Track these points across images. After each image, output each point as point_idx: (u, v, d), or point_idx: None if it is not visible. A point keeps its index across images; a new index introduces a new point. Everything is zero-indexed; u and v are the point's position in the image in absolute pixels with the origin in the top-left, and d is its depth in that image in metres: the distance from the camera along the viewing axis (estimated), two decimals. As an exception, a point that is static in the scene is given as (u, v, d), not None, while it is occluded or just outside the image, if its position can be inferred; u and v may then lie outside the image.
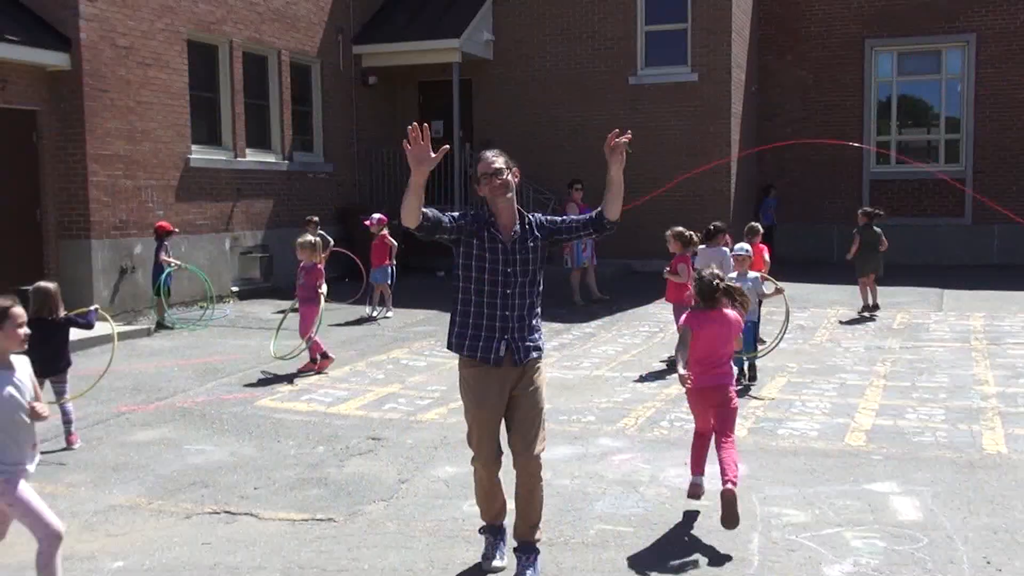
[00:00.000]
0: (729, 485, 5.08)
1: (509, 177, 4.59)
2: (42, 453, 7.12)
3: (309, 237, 10.39)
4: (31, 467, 4.34)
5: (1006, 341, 11.08)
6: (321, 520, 5.65)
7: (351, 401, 8.62)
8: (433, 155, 4.27)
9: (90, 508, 5.93)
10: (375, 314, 13.31)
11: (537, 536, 4.78)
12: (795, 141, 17.61)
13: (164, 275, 12.48)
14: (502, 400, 4.64)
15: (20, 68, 11.94)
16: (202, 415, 8.19)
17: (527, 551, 4.75)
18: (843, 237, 19.88)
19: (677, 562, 4.89)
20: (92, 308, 7.59)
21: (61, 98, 12.37)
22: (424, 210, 4.38)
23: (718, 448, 5.43)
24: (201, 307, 13.94)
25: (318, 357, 9.91)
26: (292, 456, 7.00)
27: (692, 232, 10.19)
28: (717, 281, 5.55)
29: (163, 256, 12.60)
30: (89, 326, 7.56)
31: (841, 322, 12.69)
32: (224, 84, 15.05)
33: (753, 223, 11.65)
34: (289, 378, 9.58)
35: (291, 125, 16.49)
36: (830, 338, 11.63)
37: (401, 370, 9.99)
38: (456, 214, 4.66)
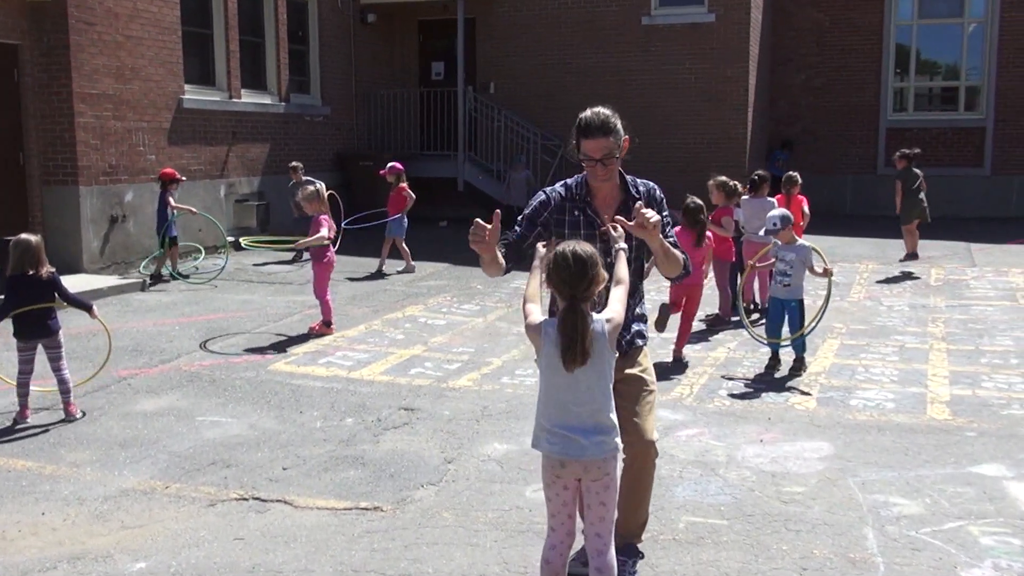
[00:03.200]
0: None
1: (616, 164, 3.86)
2: (38, 426, 6.45)
3: (312, 187, 9.44)
4: None
5: (1057, 300, 10.48)
6: (367, 509, 4.96)
7: (374, 365, 7.91)
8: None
9: (99, 493, 5.21)
10: (385, 268, 12.53)
11: (641, 539, 4.14)
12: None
13: (169, 223, 11.75)
14: None
15: (-2, -2, 10.99)
16: (212, 380, 7.46)
17: (630, 554, 4.10)
18: (858, 187, 19.31)
19: (791, 568, 4.24)
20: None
21: (44, 31, 11.40)
22: (500, 255, 3.81)
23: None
24: (194, 259, 13.14)
25: (332, 321, 9.14)
26: (319, 430, 6.30)
27: (736, 182, 9.45)
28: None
29: (172, 202, 11.84)
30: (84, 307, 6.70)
31: (878, 280, 12.05)
32: (217, 18, 14.07)
33: (791, 172, 10.92)
34: (301, 338, 8.84)
35: (287, 65, 15.55)
36: (868, 295, 10.99)
37: (421, 329, 9.28)
38: (532, 210, 3.98)
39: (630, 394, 3.94)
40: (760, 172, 9.77)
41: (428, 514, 4.88)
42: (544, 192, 4.04)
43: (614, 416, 3.49)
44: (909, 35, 19.39)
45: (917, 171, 12.59)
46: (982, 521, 4.67)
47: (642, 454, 3.98)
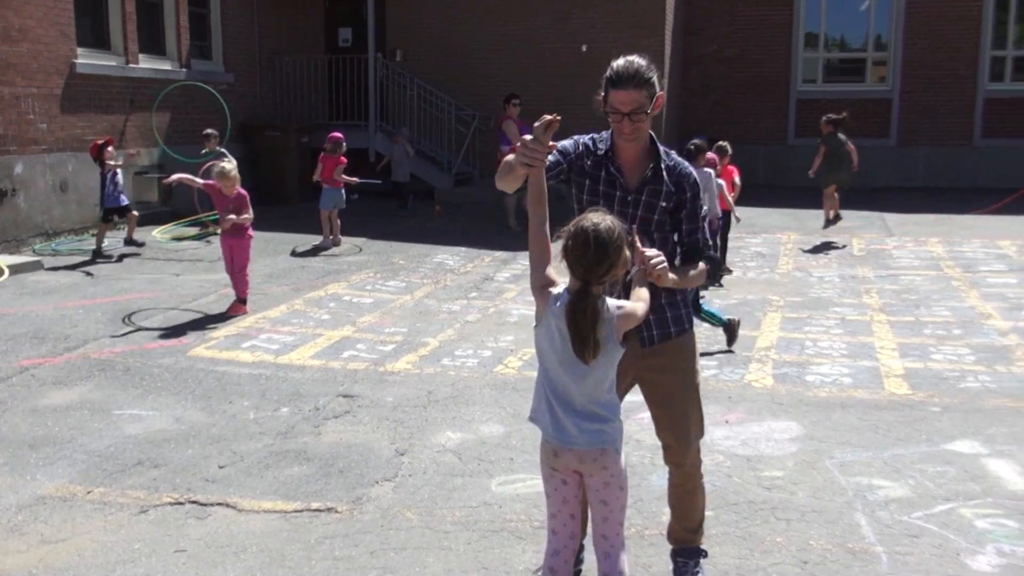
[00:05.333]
0: None
1: (646, 122, 3.39)
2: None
3: (227, 165, 8.77)
4: None
5: (980, 270, 10.57)
6: (320, 511, 4.51)
7: (302, 348, 7.40)
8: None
9: (11, 502, 4.63)
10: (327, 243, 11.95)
11: (702, 540, 3.82)
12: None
13: (114, 194, 11.27)
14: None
15: None
16: (126, 369, 6.84)
17: (691, 555, 3.77)
18: (769, 158, 19.41)
19: (791, 562, 3.97)
20: None
21: (-82, -12, 10.40)
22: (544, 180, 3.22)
23: None
24: (93, 235, 12.29)
25: (246, 299, 8.57)
26: (253, 421, 5.79)
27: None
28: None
29: (110, 162, 11.28)
30: None
31: (803, 250, 12.02)
32: (112, -23, 13.12)
33: (722, 142, 10.74)
34: (220, 320, 8.25)
35: (188, 29, 14.65)
36: (797, 267, 10.92)
37: (347, 308, 8.77)
38: (566, 145, 3.50)
39: (668, 406, 3.58)
40: (696, 141, 9.53)
41: (389, 514, 4.46)
42: (575, 137, 3.59)
43: (612, 406, 3.12)
44: (818, 6, 19.47)
45: (842, 137, 12.60)
46: (972, 503, 4.50)
47: (678, 470, 3.68)
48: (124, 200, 11.57)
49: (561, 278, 3.12)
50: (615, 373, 3.12)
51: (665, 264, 3.15)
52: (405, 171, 15.28)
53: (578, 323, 2.94)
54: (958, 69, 18.84)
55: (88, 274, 10.20)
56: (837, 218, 12.66)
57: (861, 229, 13.60)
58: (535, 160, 3.05)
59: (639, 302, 3.12)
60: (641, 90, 3.32)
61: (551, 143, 3.09)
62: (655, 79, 3.36)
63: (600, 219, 2.96)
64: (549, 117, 3.05)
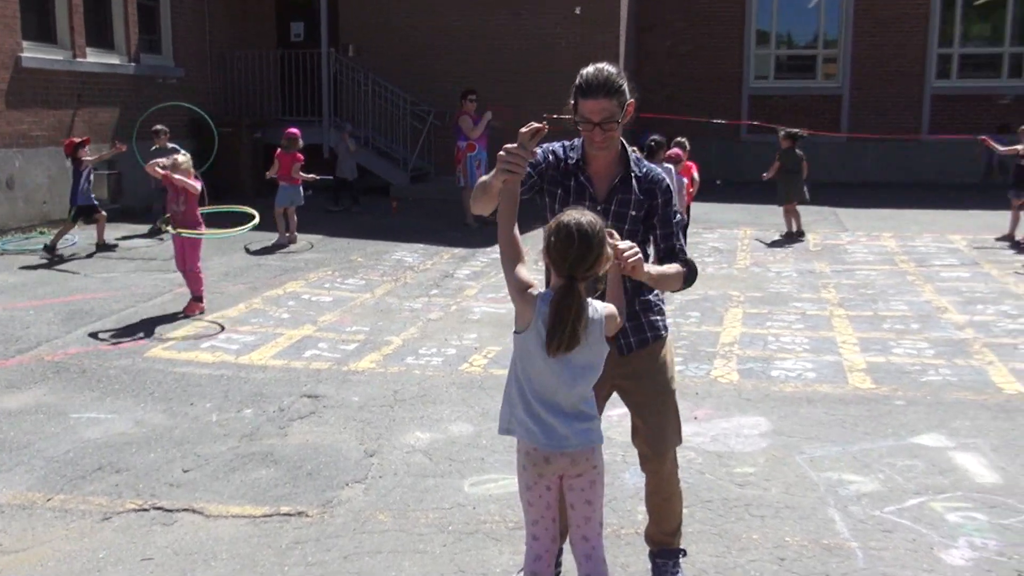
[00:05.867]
0: None
1: (617, 131, 3.35)
2: None
3: (180, 157, 8.61)
4: None
5: (933, 264, 10.73)
6: (290, 515, 4.42)
7: (263, 348, 7.27)
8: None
9: (-32, 511, 4.48)
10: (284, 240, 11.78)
11: (680, 541, 3.79)
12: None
13: (82, 192, 11.12)
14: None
15: None
16: (82, 371, 6.67)
17: (669, 555, 3.75)
18: (722, 153, 19.52)
19: (768, 559, 3.97)
20: None
21: None
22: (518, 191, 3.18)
23: None
24: (41, 233, 12.01)
25: (201, 296, 8.41)
26: (216, 424, 5.67)
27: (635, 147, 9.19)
28: None
29: (86, 158, 11.16)
30: None
31: (764, 242, 12.13)
32: (57, -30, 12.81)
33: (680, 138, 10.78)
34: (177, 320, 8.08)
35: (136, 23, 14.36)
36: (754, 262, 11.00)
37: (307, 307, 8.65)
38: (538, 156, 3.45)
39: (645, 412, 3.54)
40: (656, 137, 9.56)
41: (361, 517, 4.38)
42: (544, 146, 3.54)
43: (594, 401, 3.10)
44: (770, 4, 19.64)
45: (800, 153, 12.65)
46: (942, 496, 4.54)
47: (654, 477, 3.65)
48: (94, 199, 11.36)
49: (536, 276, 3.08)
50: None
51: (639, 256, 3.07)
52: (350, 167, 15.07)
53: (561, 316, 2.88)
54: (906, 66, 19.13)
55: (44, 265, 9.94)
56: (800, 233, 12.70)
57: (815, 224, 13.74)
58: (517, 167, 3.01)
59: (613, 304, 3.10)
60: (612, 99, 3.27)
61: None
62: (626, 87, 3.32)
63: (581, 214, 2.92)
64: (537, 125, 3.02)
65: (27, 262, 10.55)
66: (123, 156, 13.56)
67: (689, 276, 3.45)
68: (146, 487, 4.75)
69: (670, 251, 3.47)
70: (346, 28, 17.50)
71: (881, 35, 18.95)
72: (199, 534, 4.23)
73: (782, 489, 4.64)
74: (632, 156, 3.43)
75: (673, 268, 3.41)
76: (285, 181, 11.83)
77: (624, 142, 3.45)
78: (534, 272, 3.07)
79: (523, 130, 3.01)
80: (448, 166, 15.19)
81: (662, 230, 3.47)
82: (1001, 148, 12.43)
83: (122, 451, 5.23)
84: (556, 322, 2.90)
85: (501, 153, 3.01)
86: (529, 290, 3.03)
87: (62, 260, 10.71)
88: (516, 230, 3.10)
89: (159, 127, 12.57)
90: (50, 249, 10.88)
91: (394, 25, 17.18)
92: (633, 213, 3.41)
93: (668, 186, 3.49)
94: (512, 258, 3.08)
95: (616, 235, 3.08)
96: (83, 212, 11.27)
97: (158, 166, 8.47)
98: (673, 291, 3.46)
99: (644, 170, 3.46)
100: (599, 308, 2.99)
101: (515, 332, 3.07)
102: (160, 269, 10.23)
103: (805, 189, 12.58)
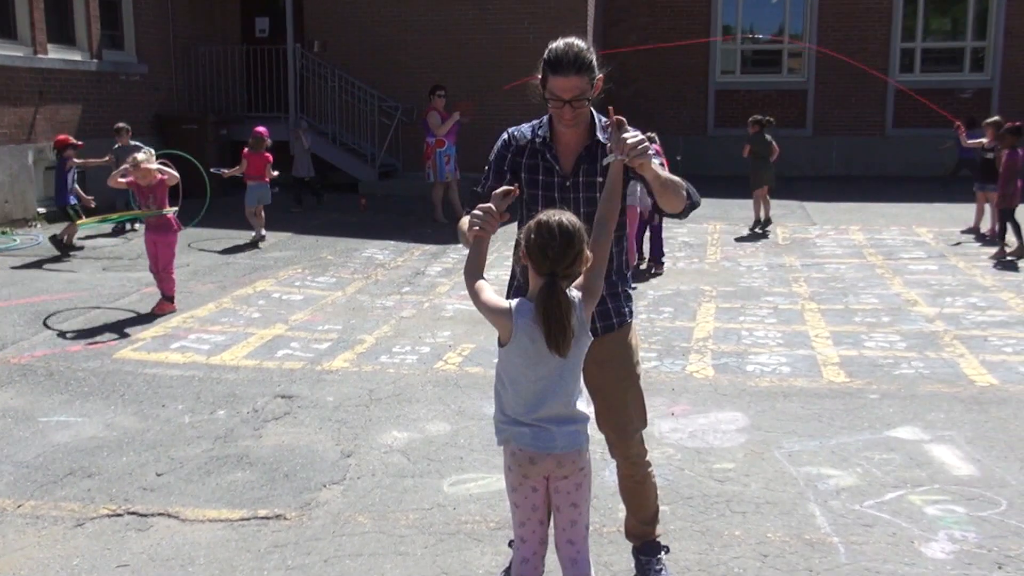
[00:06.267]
0: None
1: (586, 107, 3.30)
2: None
3: (139, 155, 8.44)
4: None
5: (901, 257, 10.83)
6: (268, 518, 4.36)
7: (235, 348, 7.18)
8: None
9: (-65, 519, 4.38)
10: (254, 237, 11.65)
11: (658, 531, 3.76)
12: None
13: (68, 192, 11.00)
14: None
15: None
16: (49, 374, 6.55)
17: (651, 551, 3.72)
18: (689, 148, 19.59)
19: (751, 556, 3.97)
20: None
21: None
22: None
23: None
24: (3, 233, 11.80)
25: (173, 297, 8.30)
26: (189, 426, 5.59)
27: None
28: None
29: (75, 160, 11.16)
30: None
31: (736, 238, 12.18)
32: (16, -36, 12.57)
33: (650, 133, 10.76)
34: (146, 320, 7.97)
35: (98, 18, 14.12)
36: (725, 256, 11.04)
37: (277, 306, 8.56)
38: (496, 155, 3.46)
39: (609, 397, 3.50)
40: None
41: (340, 520, 4.33)
42: (507, 132, 3.50)
43: (583, 404, 3.07)
44: (736, -1, 19.76)
45: (768, 137, 12.78)
46: (920, 489, 4.57)
47: (624, 462, 3.62)
48: (71, 199, 11.21)
49: (487, 285, 3.05)
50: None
51: (646, 144, 2.98)
52: (306, 165, 14.92)
53: (552, 314, 2.84)
54: (869, 61, 19.27)
55: (8, 266, 9.77)
56: (768, 221, 12.82)
57: (784, 218, 13.83)
58: (488, 227, 3.01)
59: (594, 277, 3.03)
60: (582, 75, 3.21)
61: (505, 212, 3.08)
62: (595, 62, 3.26)
63: (559, 213, 2.89)
64: (508, 188, 3.06)
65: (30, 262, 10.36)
66: (87, 151, 13.38)
67: (691, 195, 3.30)
68: (119, 492, 4.67)
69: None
70: (312, 24, 17.34)
71: (845, 29, 19.09)
72: (175, 539, 4.16)
73: (762, 485, 4.65)
74: (599, 123, 3.37)
75: (676, 178, 3.26)
76: (253, 180, 11.70)
77: (593, 111, 3.39)
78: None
79: (495, 192, 3.05)
80: (417, 162, 15.11)
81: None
82: (969, 140, 12.60)
83: (93, 455, 5.13)
84: (552, 326, 2.86)
85: (476, 212, 3.01)
86: (501, 305, 2.99)
87: (72, 249, 10.73)
88: (480, 281, 3.07)
89: (121, 125, 12.38)
90: (60, 243, 10.73)
91: (360, 21, 17.06)
92: (601, 180, 3.29)
93: (639, 134, 3.41)
94: (475, 273, 3.07)
95: (625, 123, 3.02)
96: (68, 208, 11.15)
97: (119, 176, 8.35)
98: (676, 212, 3.30)
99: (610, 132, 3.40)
100: (574, 294, 2.94)
101: (499, 345, 3.03)
102: (127, 268, 10.09)
103: (773, 175, 12.74)
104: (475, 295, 3.04)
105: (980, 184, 12.12)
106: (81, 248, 11.00)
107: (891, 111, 19.37)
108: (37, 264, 10.34)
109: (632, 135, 2.97)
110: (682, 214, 3.35)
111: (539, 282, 2.89)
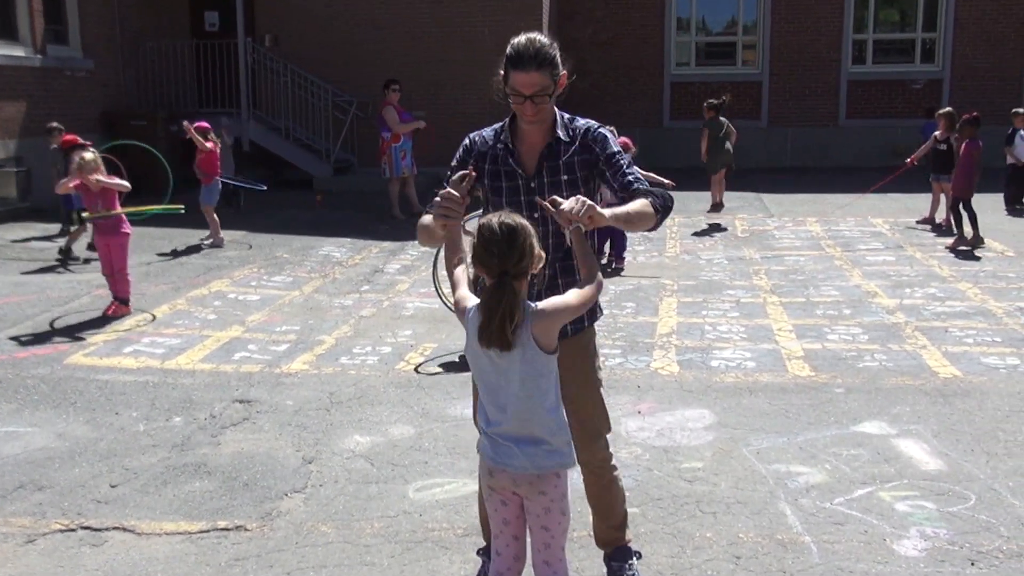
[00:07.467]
0: None
1: (549, 104, 3.21)
2: None
3: (86, 155, 8.18)
4: None
5: (858, 248, 10.89)
6: (228, 530, 4.22)
7: (190, 352, 7.00)
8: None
9: None
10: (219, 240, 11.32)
11: (628, 536, 3.68)
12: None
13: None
14: None
15: None
16: (-4, 381, 6.34)
17: (622, 556, 3.64)
18: (645, 140, 19.56)
19: (724, 557, 3.92)
20: None
21: None
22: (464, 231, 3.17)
23: None
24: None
25: (128, 299, 8.09)
26: (144, 434, 5.42)
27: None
28: None
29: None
30: None
31: (694, 233, 12.18)
32: (-46, -43, 12.20)
33: (610, 127, 10.72)
34: (97, 324, 7.75)
35: (42, 12, 13.75)
36: (684, 249, 11.04)
37: (233, 307, 8.38)
38: (459, 159, 3.37)
39: (570, 394, 3.40)
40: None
41: (303, 530, 4.21)
42: (468, 137, 3.41)
43: (560, 433, 2.93)
44: (689, -10, 19.79)
45: (723, 120, 12.85)
46: (889, 485, 4.55)
47: (586, 469, 3.55)
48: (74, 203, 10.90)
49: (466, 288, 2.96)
50: (557, 390, 2.94)
51: (589, 204, 2.85)
52: (228, 164, 14.54)
53: (491, 310, 2.73)
54: (822, 52, 19.43)
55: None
56: (720, 205, 12.91)
57: (741, 210, 13.87)
58: (451, 212, 2.94)
59: (568, 296, 2.92)
60: (544, 71, 3.14)
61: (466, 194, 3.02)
62: (558, 57, 3.19)
63: (498, 214, 2.79)
64: (464, 172, 3.00)
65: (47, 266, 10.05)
66: (31, 152, 13.05)
67: (662, 206, 3.19)
68: (72, 505, 4.50)
69: (627, 189, 3.25)
70: (262, 18, 17.07)
71: (798, 21, 19.21)
72: (131, 554, 4.01)
73: (732, 484, 4.60)
74: (560, 119, 3.30)
75: (637, 204, 3.16)
76: (209, 178, 11.45)
77: (556, 108, 3.31)
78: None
79: (452, 177, 2.99)
80: (372, 157, 14.93)
81: (611, 172, 3.29)
82: (918, 152, 12.54)
83: (44, 467, 4.95)
84: (487, 315, 2.76)
85: (436, 199, 2.95)
86: (462, 305, 2.91)
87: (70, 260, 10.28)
88: (460, 270, 3.00)
89: (54, 125, 11.79)
90: (67, 253, 10.35)
91: (312, 14, 16.82)
92: (566, 178, 3.26)
93: (602, 133, 3.33)
94: (453, 285, 3.01)
95: (558, 200, 2.92)
96: (73, 212, 10.69)
97: (70, 183, 8.08)
98: (650, 229, 3.23)
99: (572, 128, 3.32)
100: (528, 307, 2.81)
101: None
102: (76, 270, 9.83)
103: (732, 157, 12.87)
104: (452, 288, 2.98)
105: (935, 175, 12.22)
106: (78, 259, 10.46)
107: (844, 102, 19.53)
108: (-18, 267, 10.06)
109: (568, 204, 2.85)
110: (655, 228, 3.27)
111: (490, 283, 2.79)
